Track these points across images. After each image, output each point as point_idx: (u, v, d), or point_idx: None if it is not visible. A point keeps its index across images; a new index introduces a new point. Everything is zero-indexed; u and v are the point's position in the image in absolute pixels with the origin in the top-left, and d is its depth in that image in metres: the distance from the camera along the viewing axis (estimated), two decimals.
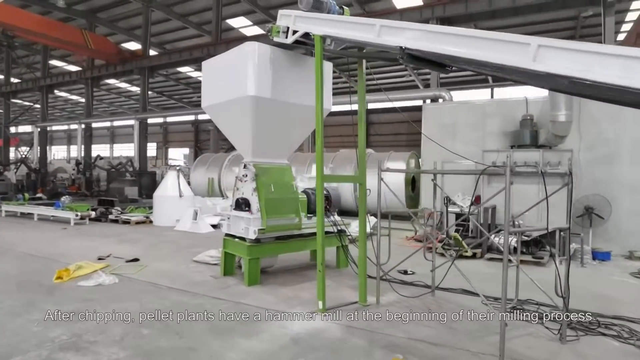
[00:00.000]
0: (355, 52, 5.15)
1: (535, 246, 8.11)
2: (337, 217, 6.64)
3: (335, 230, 6.49)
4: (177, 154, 45.48)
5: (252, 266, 5.71)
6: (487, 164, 9.22)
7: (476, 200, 9.72)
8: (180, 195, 11.63)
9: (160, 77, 30.01)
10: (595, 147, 8.64)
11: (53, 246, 8.27)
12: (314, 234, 6.43)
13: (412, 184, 14.33)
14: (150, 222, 11.91)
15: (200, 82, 31.62)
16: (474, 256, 8.12)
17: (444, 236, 8.83)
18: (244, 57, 5.41)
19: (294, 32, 5.12)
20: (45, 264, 6.74)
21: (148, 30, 22.82)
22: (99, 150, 37.27)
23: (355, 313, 4.66)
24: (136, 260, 7.09)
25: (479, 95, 30.49)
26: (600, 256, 8.00)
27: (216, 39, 20.67)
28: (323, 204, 4.86)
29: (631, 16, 17.11)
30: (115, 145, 48.02)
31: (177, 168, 12.27)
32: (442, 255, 8.05)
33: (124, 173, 20.03)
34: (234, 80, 5.55)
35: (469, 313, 4.72)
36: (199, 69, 30.86)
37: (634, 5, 15.64)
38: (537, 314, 4.70)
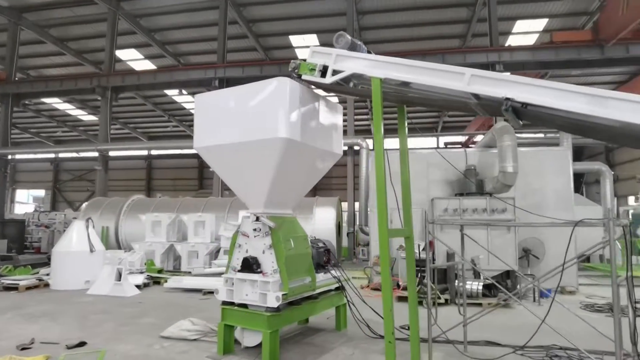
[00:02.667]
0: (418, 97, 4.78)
1: (495, 289, 8.60)
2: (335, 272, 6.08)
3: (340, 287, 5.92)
4: (25, 196, 38.30)
5: (273, 341, 4.73)
6: (438, 211, 9.76)
7: (430, 245, 10.05)
8: (92, 251, 9.48)
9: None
10: (528, 196, 9.77)
11: None
12: (322, 293, 5.79)
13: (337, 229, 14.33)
14: (46, 285, 9.37)
15: (68, 115, 28.07)
16: (446, 302, 8.22)
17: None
18: (274, 94, 4.71)
19: (335, 71, 4.67)
20: None
21: (16, 52, 19.24)
22: None
23: None
24: (82, 344, 5.33)
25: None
26: (543, 294, 8.85)
27: (109, 69, 18.33)
28: (389, 260, 4.31)
29: None
30: None
31: (88, 218, 10.04)
32: (420, 303, 8.04)
33: None
34: (256, 120, 4.77)
35: None
36: (70, 100, 26.98)
37: None
38: None
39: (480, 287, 8.25)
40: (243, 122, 4.87)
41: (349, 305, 6.06)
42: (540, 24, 19.12)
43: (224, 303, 5.16)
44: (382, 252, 4.25)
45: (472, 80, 3.88)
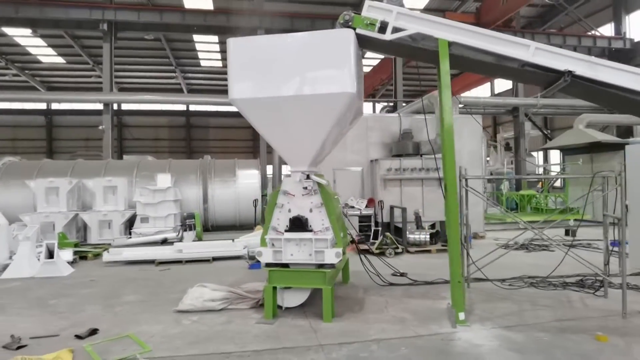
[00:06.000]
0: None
1: (437, 237, 9.83)
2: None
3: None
4: None
5: (332, 297, 4.77)
6: (382, 171, 10.49)
7: (371, 203, 10.80)
8: None
9: None
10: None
11: None
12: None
13: None
14: None
15: None
16: (402, 251, 9.08)
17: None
18: (339, 46, 4.53)
19: (395, 29, 4.69)
20: None
21: None
22: None
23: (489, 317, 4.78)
24: (95, 331, 4.48)
25: None
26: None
27: None
28: (458, 209, 4.70)
29: None
30: None
31: None
32: (382, 254, 8.75)
33: None
34: (318, 72, 4.52)
35: (529, 292, 5.65)
36: None
37: None
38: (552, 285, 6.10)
39: (428, 237, 9.36)
40: (299, 74, 4.55)
41: (361, 258, 6.35)
42: (423, 2, 21.16)
43: (268, 265, 4.93)
44: (452, 207, 4.62)
45: (536, 52, 4.42)
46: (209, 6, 20.77)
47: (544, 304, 5.26)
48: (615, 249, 5.04)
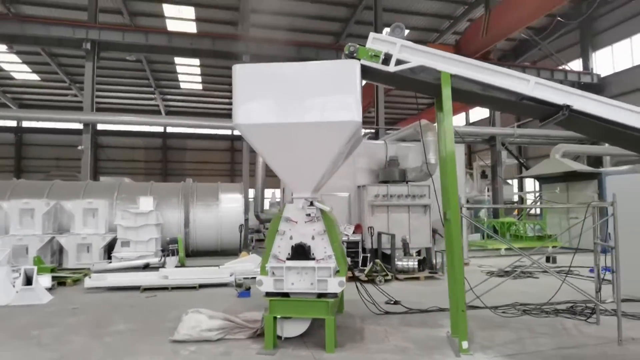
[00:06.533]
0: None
1: (424, 264, 9.89)
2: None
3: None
4: None
5: (334, 327, 4.68)
6: (370, 197, 10.55)
7: (358, 229, 10.80)
8: None
9: None
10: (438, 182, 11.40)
11: None
12: None
13: None
14: None
15: None
16: (391, 279, 9.07)
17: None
18: (345, 76, 4.59)
19: (399, 61, 4.83)
20: None
21: None
22: None
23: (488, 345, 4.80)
24: None
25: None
26: None
27: None
28: (461, 237, 4.75)
29: None
30: None
31: None
32: (372, 281, 8.70)
33: None
34: (324, 101, 4.57)
35: (528, 322, 5.71)
36: None
37: None
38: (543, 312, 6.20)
39: (416, 264, 9.39)
40: (306, 102, 4.58)
41: (357, 286, 6.29)
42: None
43: (268, 294, 4.83)
44: (455, 234, 4.68)
45: (535, 86, 4.63)
46: (193, 29, 20.93)
47: (541, 331, 5.33)
48: (607, 276, 5.22)
